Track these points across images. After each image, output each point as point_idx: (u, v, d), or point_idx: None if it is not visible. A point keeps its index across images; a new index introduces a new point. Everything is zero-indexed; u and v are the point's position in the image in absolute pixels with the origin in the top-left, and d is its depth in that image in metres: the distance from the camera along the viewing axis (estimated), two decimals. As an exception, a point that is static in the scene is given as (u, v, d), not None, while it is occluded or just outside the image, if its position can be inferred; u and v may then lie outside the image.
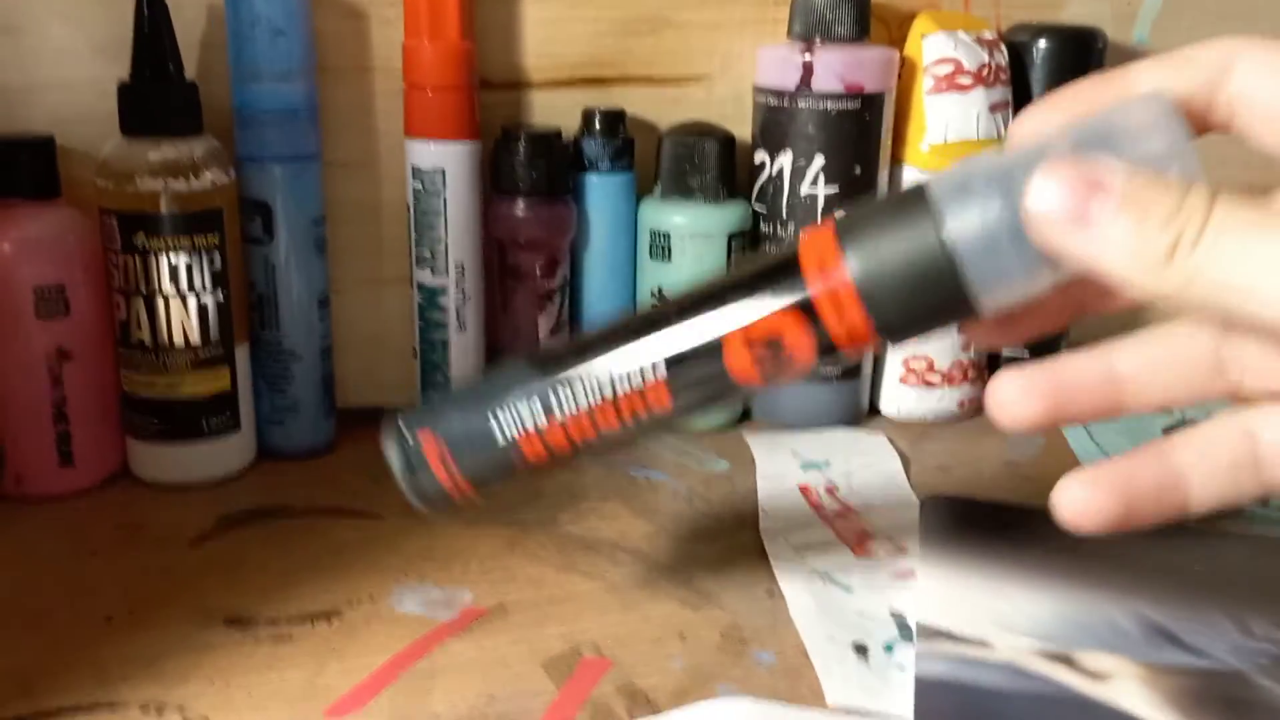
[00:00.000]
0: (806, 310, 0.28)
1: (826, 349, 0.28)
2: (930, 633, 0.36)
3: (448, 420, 0.32)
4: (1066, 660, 0.35)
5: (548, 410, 0.31)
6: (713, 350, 0.29)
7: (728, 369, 0.29)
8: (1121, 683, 0.34)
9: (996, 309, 0.26)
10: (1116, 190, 0.23)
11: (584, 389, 0.30)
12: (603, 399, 0.30)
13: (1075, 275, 0.26)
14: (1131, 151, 0.24)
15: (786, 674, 0.35)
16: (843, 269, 0.27)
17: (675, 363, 0.29)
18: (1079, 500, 0.27)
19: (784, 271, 0.28)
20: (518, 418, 0.31)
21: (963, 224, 0.25)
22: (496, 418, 0.31)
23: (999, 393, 0.28)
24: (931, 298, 0.26)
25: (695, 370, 0.29)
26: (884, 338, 0.27)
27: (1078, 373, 0.28)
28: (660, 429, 0.31)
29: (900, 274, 0.26)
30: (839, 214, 0.28)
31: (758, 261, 0.29)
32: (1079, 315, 0.29)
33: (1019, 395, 0.27)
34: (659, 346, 0.30)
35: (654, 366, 0.30)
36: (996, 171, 0.25)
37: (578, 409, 0.30)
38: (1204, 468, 0.27)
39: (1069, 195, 0.23)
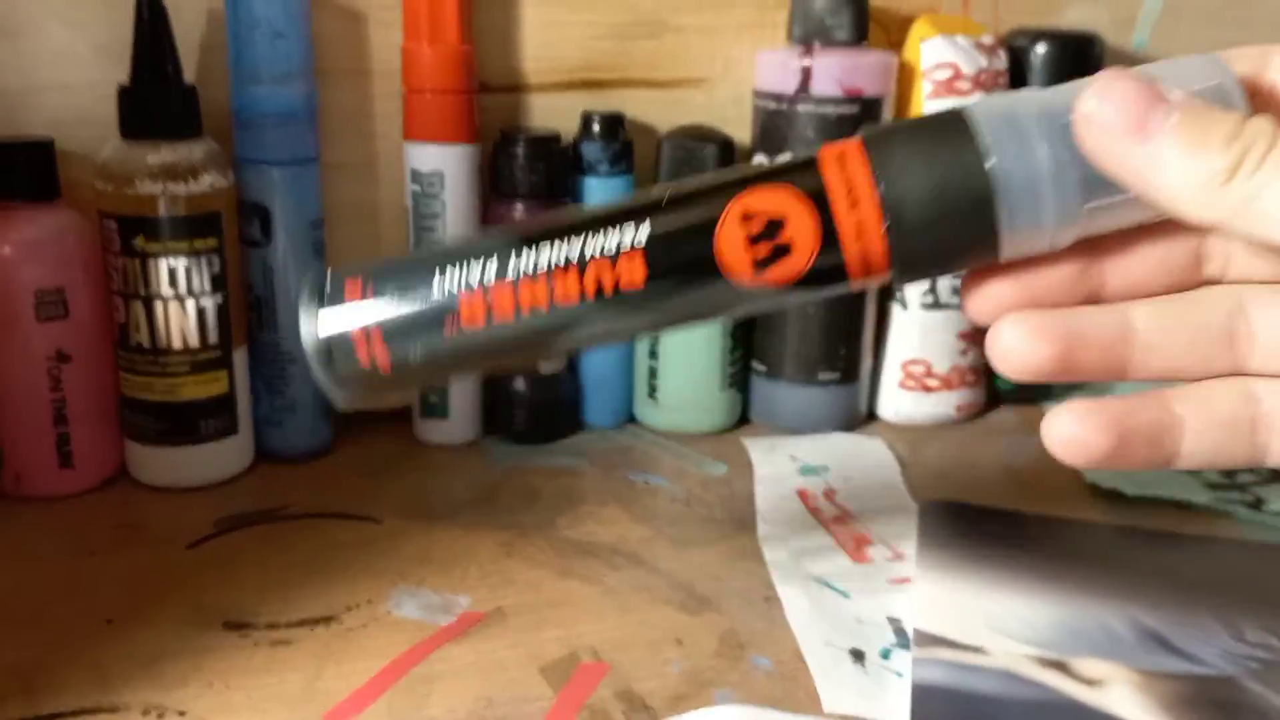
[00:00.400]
0: (817, 198, 0.25)
1: (829, 247, 0.25)
2: (927, 639, 0.37)
3: (383, 265, 0.27)
4: (1062, 667, 0.35)
5: (501, 266, 0.25)
6: (705, 224, 0.25)
7: (716, 250, 0.25)
8: (1116, 689, 0.34)
9: (1014, 253, 0.25)
10: (1177, 106, 0.23)
11: (550, 251, 0.25)
12: (566, 261, 0.25)
13: (1102, 230, 0.25)
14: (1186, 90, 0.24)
15: (783, 679, 0.35)
16: (864, 167, 0.25)
17: (659, 234, 0.25)
18: (1070, 431, 0.26)
19: (800, 165, 0.25)
20: (464, 272, 0.26)
21: (1010, 154, 0.24)
22: (442, 270, 0.26)
23: (1004, 335, 0.26)
24: (956, 220, 0.24)
25: (679, 246, 0.25)
26: (894, 251, 0.25)
27: (1091, 319, 0.26)
28: (621, 324, 0.26)
29: (930, 190, 0.24)
30: (864, 128, 0.26)
31: (773, 161, 0.26)
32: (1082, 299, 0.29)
33: (1028, 336, 0.26)
34: (646, 214, 0.26)
35: (635, 232, 0.25)
36: (1045, 108, 0.24)
37: (535, 269, 0.25)
38: (1200, 421, 0.26)
39: (1129, 103, 0.23)
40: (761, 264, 0.25)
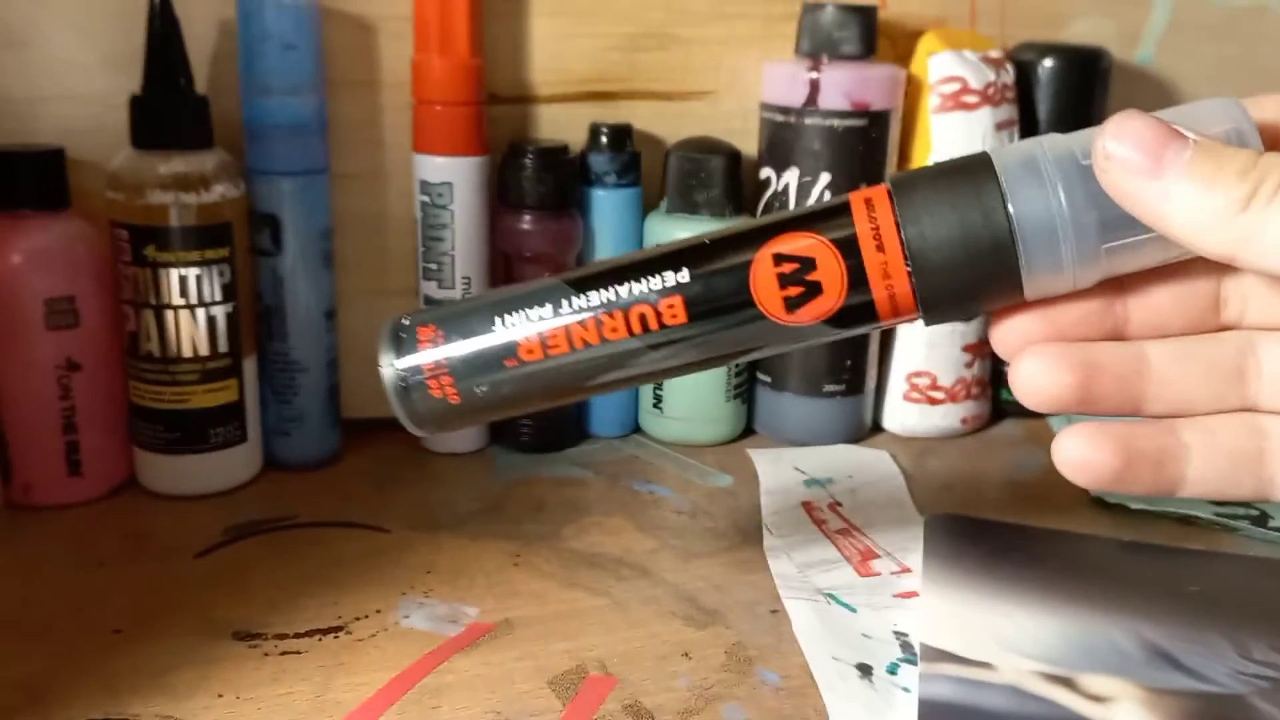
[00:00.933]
0: (846, 241, 0.27)
1: (858, 288, 0.27)
2: (934, 654, 0.37)
3: (451, 312, 0.31)
4: (1068, 683, 0.35)
5: (556, 310, 0.29)
6: (739, 265, 0.27)
7: (751, 288, 0.27)
8: (1122, 706, 0.34)
9: (1037, 293, 0.26)
10: (1190, 143, 0.23)
11: (599, 294, 0.28)
12: (615, 301, 0.28)
13: (1122, 271, 0.26)
14: (1202, 132, 0.25)
15: (791, 694, 0.35)
16: (890, 212, 0.26)
17: (697, 275, 0.28)
18: (1079, 451, 0.26)
19: (830, 211, 0.27)
20: (523, 316, 0.29)
21: (1028, 199, 0.25)
22: (502, 314, 0.29)
23: (1026, 366, 0.27)
24: (979, 264, 0.25)
25: (717, 284, 0.28)
26: (919, 292, 0.26)
27: (1109, 352, 0.27)
28: (671, 360, 0.29)
29: (952, 234, 0.25)
30: (891, 175, 0.28)
31: (804, 206, 0.29)
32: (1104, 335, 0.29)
33: (1049, 367, 0.26)
34: (685, 259, 0.28)
35: (675, 274, 0.28)
36: (1065, 152, 0.25)
37: (586, 310, 0.29)
38: (1206, 450, 0.26)
39: (1145, 140, 0.23)
40: (793, 303, 0.27)
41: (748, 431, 0.56)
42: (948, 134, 0.53)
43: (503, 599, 0.40)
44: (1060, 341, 0.27)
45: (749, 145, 0.55)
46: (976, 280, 0.26)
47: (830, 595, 0.41)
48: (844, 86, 0.51)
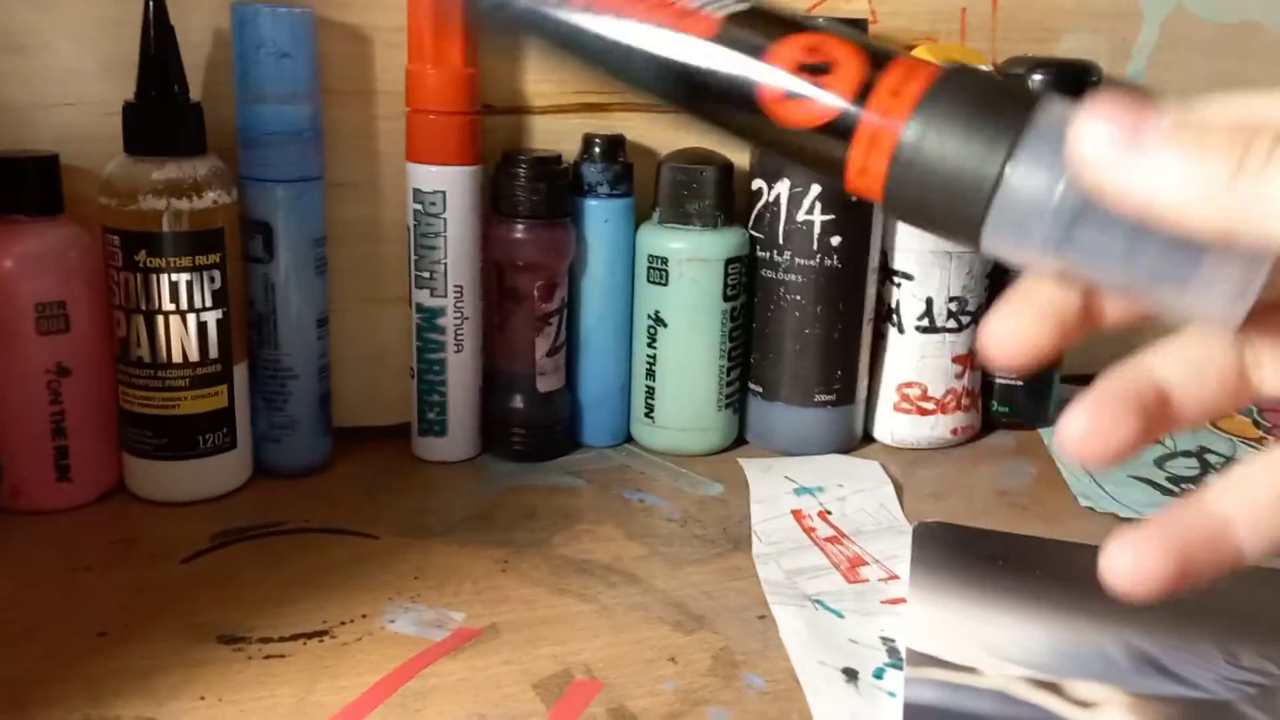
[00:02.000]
0: (865, 85, 0.25)
1: (840, 131, 0.25)
2: (920, 659, 0.37)
3: None
4: (1055, 689, 0.35)
5: None
6: (780, 28, 0.26)
7: (768, 51, 0.26)
8: (1109, 711, 0.34)
9: (989, 253, 0.25)
10: (1168, 119, 0.22)
11: None
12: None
13: (1079, 282, 0.25)
14: None
15: (777, 698, 0.35)
16: (915, 94, 0.25)
17: (741, 13, 0.27)
18: (1130, 565, 0.24)
19: (883, 52, 0.26)
20: None
21: (1030, 175, 0.24)
22: None
23: (1072, 425, 0.25)
24: (949, 199, 0.25)
25: (750, 30, 0.26)
26: (889, 180, 0.25)
27: (1130, 376, 0.26)
28: (670, 61, 0.27)
29: (945, 155, 0.25)
30: (950, 64, 0.26)
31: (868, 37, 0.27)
32: (1074, 337, 0.28)
33: (1102, 423, 0.25)
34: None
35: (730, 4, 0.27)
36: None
37: None
38: (1248, 510, 0.25)
39: (1118, 114, 0.22)
40: (788, 96, 0.26)
41: (739, 441, 0.56)
42: (938, 146, 0.54)
43: (490, 604, 0.40)
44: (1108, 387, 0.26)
45: (741, 156, 0.55)
46: (938, 210, 0.25)
47: (818, 601, 0.41)
48: (835, 98, 0.51)
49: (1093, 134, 0.23)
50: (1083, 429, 0.25)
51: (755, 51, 0.26)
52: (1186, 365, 0.26)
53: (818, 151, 0.26)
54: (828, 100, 0.26)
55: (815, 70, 0.26)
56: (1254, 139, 0.21)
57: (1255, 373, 0.26)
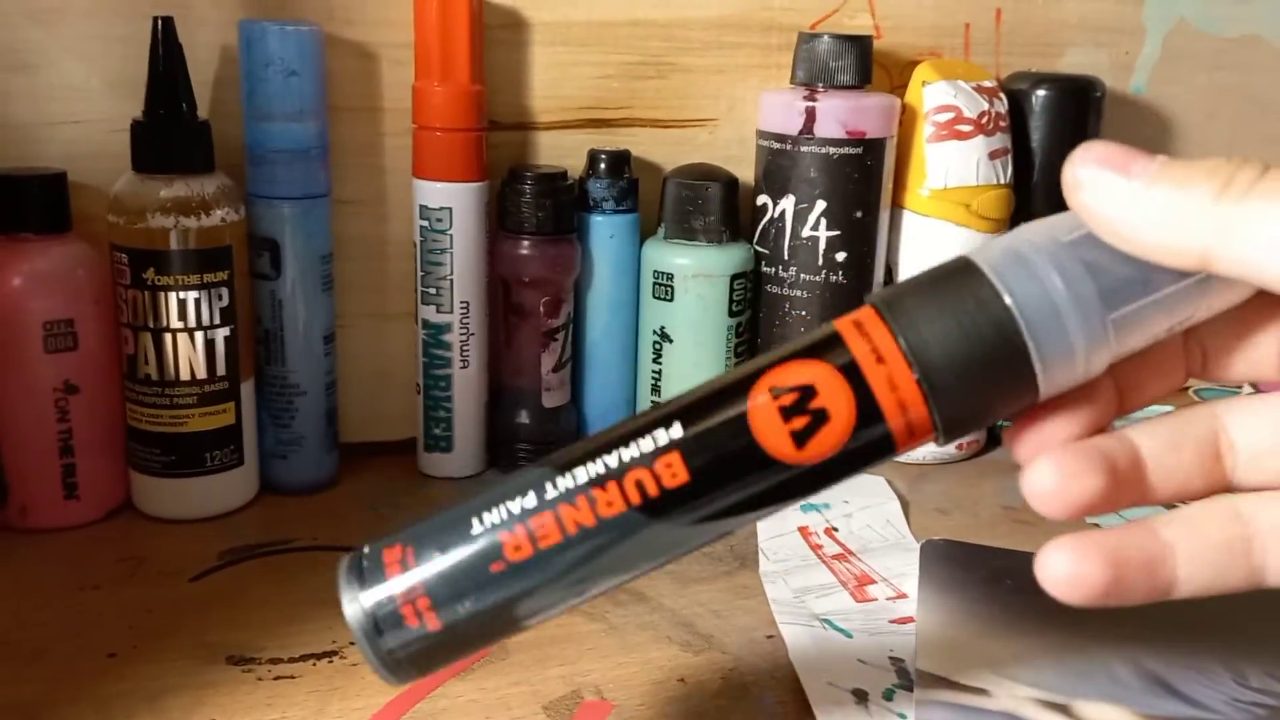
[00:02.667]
0: (844, 366, 0.24)
1: (866, 409, 0.24)
2: (930, 680, 0.37)
3: (419, 528, 0.26)
4: (1064, 709, 0.35)
5: (540, 495, 0.25)
6: (734, 403, 0.24)
7: (752, 430, 0.24)
8: (1119, 733, 0.34)
9: (1051, 386, 0.25)
10: (1157, 159, 0.23)
11: (586, 470, 0.25)
12: (605, 473, 0.24)
13: (1131, 347, 0.25)
14: None
15: (786, 720, 0.35)
16: (882, 325, 0.24)
17: (691, 428, 0.24)
18: (1066, 568, 0.25)
19: (819, 342, 0.25)
20: (504, 510, 0.25)
21: (1021, 282, 0.24)
22: (479, 514, 0.25)
23: (1039, 473, 0.26)
24: (987, 357, 0.24)
25: (714, 433, 0.24)
26: (931, 399, 0.24)
27: (1109, 444, 0.26)
28: (672, 531, 0.24)
29: (951, 331, 0.24)
30: (870, 296, 0.26)
31: (786, 344, 0.26)
32: (1118, 412, 0.28)
33: (1076, 468, 0.25)
34: (676, 416, 0.25)
35: (667, 431, 0.24)
36: (1046, 233, 0.24)
37: (573, 492, 0.24)
38: (1190, 546, 0.25)
39: (1112, 156, 0.23)
40: (801, 435, 0.24)
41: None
42: (942, 162, 0.54)
43: (498, 623, 0.40)
44: (1078, 441, 0.26)
45: (746, 172, 0.55)
46: (987, 377, 0.24)
47: (826, 621, 0.41)
48: (839, 115, 0.52)
49: (1085, 168, 0.24)
50: (1048, 477, 0.25)
51: (748, 445, 0.24)
52: (1165, 437, 0.26)
53: (860, 442, 0.24)
54: (837, 412, 0.24)
55: (805, 409, 0.24)
56: (1238, 171, 0.22)
57: (1229, 457, 0.26)
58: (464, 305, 0.51)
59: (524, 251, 0.51)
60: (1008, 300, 0.24)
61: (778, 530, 0.48)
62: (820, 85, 0.52)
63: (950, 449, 0.56)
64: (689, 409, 0.25)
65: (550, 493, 0.25)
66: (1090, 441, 0.26)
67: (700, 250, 0.53)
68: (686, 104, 0.56)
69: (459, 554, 0.25)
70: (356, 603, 0.25)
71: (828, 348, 0.25)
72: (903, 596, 0.43)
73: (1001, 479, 0.55)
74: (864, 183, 0.53)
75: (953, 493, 0.53)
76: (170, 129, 0.45)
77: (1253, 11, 0.65)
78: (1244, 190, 0.22)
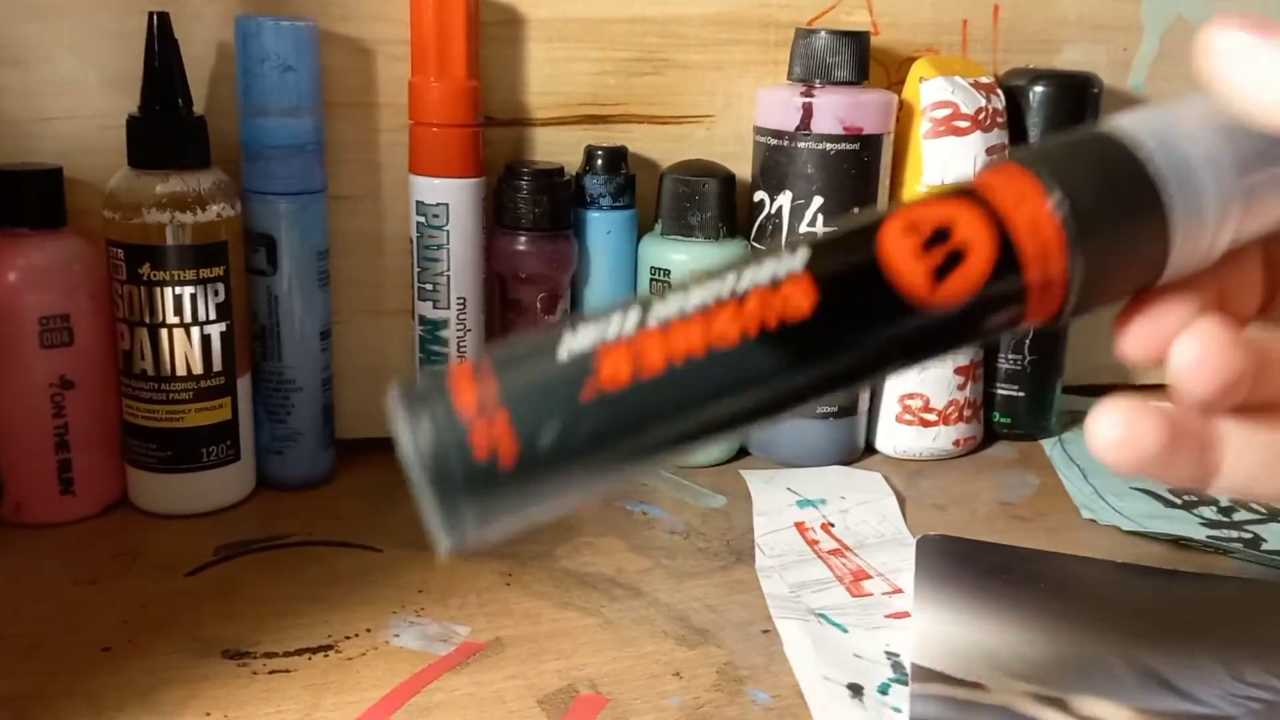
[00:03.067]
0: (984, 206, 0.23)
1: (1005, 250, 0.22)
2: (925, 674, 0.37)
3: (502, 346, 0.22)
4: (1060, 704, 0.35)
5: (644, 314, 0.21)
6: (865, 236, 0.22)
7: (884, 263, 0.22)
8: (1115, 727, 0.34)
9: (1181, 251, 0.24)
10: None
11: (701, 291, 0.22)
12: (720, 297, 0.21)
13: (1261, 225, 0.24)
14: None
15: (781, 714, 0.35)
16: (1020, 170, 0.23)
17: (820, 251, 0.22)
18: (1119, 430, 0.24)
19: (955, 186, 0.23)
20: (602, 326, 0.21)
21: (1160, 143, 0.23)
22: (574, 329, 0.22)
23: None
24: (1128, 217, 0.23)
25: (844, 258, 0.22)
26: (1071, 246, 0.22)
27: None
28: (792, 377, 0.22)
29: (1092, 175, 0.23)
30: (1006, 154, 0.24)
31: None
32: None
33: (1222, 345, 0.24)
34: (804, 244, 0.22)
35: (794, 257, 0.22)
36: (1182, 108, 0.24)
37: (686, 310, 0.21)
38: (1242, 444, 0.25)
39: (1247, 17, 0.23)
40: (940, 271, 0.22)
41: (741, 453, 0.56)
42: (939, 158, 0.54)
43: (494, 618, 0.40)
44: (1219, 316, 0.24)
45: (743, 169, 0.55)
46: (1124, 230, 0.23)
47: (822, 615, 0.41)
48: (836, 111, 0.51)
49: (1224, 28, 0.23)
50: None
51: (881, 280, 0.22)
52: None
53: (999, 289, 0.22)
54: (979, 247, 0.22)
55: (942, 243, 0.22)
56: None
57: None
58: (460, 301, 0.51)
59: (521, 247, 0.51)
60: (1143, 154, 0.23)
61: (774, 525, 0.48)
62: (817, 81, 0.52)
63: (947, 444, 0.56)
64: (818, 243, 0.23)
65: (656, 310, 0.21)
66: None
67: (697, 246, 0.53)
68: (683, 100, 0.56)
69: (544, 370, 0.21)
70: (422, 423, 0.21)
71: (966, 192, 0.23)
72: (899, 591, 0.43)
73: (997, 475, 0.55)
74: (861, 179, 0.53)
75: (949, 488, 0.53)
76: (166, 124, 0.45)
77: (1249, 9, 0.64)
78: None
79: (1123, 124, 0.24)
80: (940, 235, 0.22)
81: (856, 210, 0.25)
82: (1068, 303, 0.23)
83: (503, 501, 0.21)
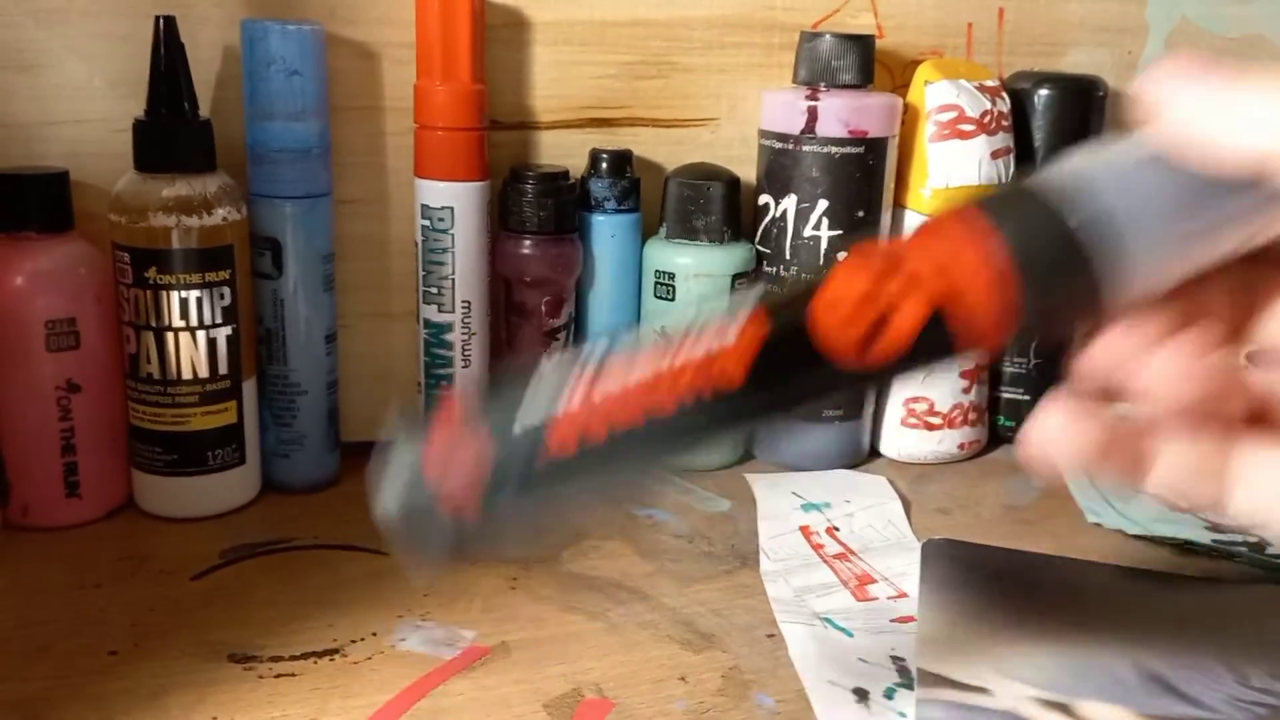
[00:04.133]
0: (915, 262, 0.23)
1: (936, 317, 0.23)
2: (931, 679, 0.37)
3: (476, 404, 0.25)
4: (1065, 709, 0.35)
5: (591, 387, 0.24)
6: (797, 306, 0.24)
7: (812, 332, 0.23)
8: (1120, 732, 0.34)
9: (1120, 297, 0.24)
10: (1233, 66, 0.23)
11: (644, 361, 0.24)
12: (661, 370, 0.24)
13: (1203, 259, 0.24)
14: None
15: (787, 718, 0.35)
16: (956, 226, 0.24)
17: (754, 320, 0.24)
18: (1058, 422, 0.25)
19: (887, 248, 0.24)
20: (552, 399, 0.24)
21: (1090, 199, 0.23)
22: (535, 392, 0.24)
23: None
24: (1057, 268, 0.23)
25: (776, 329, 0.24)
26: (1005, 299, 0.23)
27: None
28: (726, 433, 0.24)
29: (1020, 226, 0.23)
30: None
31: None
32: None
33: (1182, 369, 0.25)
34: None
35: (731, 321, 0.24)
36: (1110, 154, 0.24)
37: (629, 385, 0.24)
38: (1174, 455, 0.25)
39: (1190, 56, 0.23)
40: (868, 339, 0.23)
41: (746, 457, 0.56)
42: (944, 161, 0.54)
43: (500, 622, 0.40)
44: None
45: (748, 172, 0.55)
46: (1052, 285, 0.23)
47: (827, 620, 0.41)
48: (841, 114, 0.52)
49: (1168, 68, 0.23)
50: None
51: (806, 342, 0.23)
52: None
53: (922, 351, 0.24)
54: (907, 313, 0.23)
55: (867, 305, 0.23)
56: None
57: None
58: (465, 305, 0.51)
59: (525, 251, 0.51)
60: (1073, 217, 0.23)
61: (779, 530, 0.48)
62: (822, 85, 0.52)
63: (952, 448, 0.56)
64: (754, 311, 0.24)
65: (596, 376, 0.24)
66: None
67: (702, 250, 0.53)
68: (688, 103, 0.56)
69: (510, 442, 0.24)
70: (392, 487, 0.25)
71: (898, 253, 0.24)
72: (904, 596, 0.43)
73: (1003, 479, 0.55)
74: (866, 182, 0.53)
75: (954, 493, 0.53)
76: (172, 128, 0.45)
77: (1255, 11, 0.64)
78: None
79: (1060, 175, 0.24)
80: (869, 301, 0.23)
81: (804, 277, 0.26)
82: (1002, 347, 0.25)
83: (466, 548, 0.25)
